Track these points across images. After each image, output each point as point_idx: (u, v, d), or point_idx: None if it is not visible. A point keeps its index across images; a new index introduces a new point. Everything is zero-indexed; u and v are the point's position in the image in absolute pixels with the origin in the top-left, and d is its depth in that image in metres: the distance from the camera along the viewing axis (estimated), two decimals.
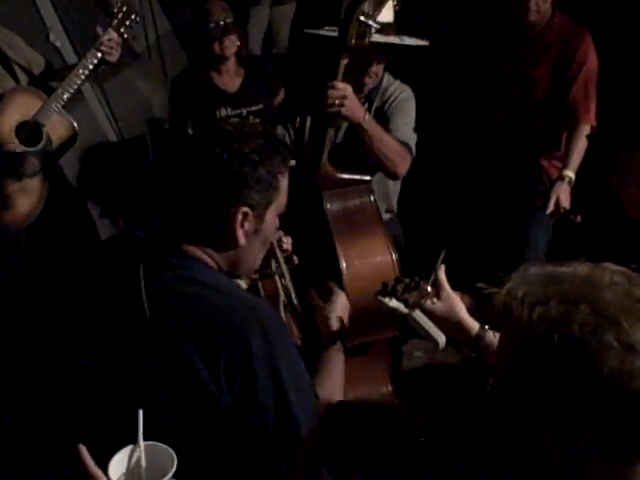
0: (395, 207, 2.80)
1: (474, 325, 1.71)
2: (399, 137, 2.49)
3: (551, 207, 3.00)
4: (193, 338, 1.46)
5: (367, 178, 2.45)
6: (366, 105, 2.56)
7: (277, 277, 2.03)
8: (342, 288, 2.18)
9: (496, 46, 3.28)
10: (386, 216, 2.64)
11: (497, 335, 1.60)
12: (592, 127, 3.06)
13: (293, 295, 2.06)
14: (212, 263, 1.57)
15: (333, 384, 1.71)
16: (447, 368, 3.25)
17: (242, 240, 1.54)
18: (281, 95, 3.65)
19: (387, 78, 2.61)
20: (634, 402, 0.92)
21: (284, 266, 2.09)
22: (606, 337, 0.91)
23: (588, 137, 3.00)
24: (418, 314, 1.74)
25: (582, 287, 0.96)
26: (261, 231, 1.57)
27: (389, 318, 2.18)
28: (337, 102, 2.22)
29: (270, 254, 2.00)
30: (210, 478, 1.51)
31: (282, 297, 2.01)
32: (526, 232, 3.27)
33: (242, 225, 1.53)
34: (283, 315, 1.99)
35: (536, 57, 3.11)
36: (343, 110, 2.25)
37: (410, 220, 2.93)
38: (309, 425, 1.44)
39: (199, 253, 1.55)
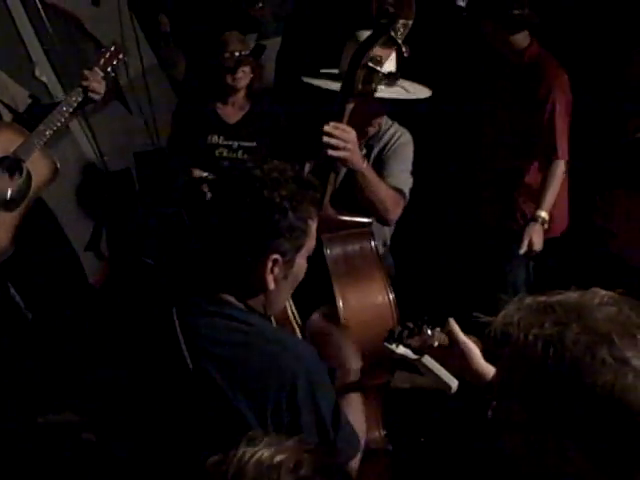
0: (389, 241, 2.79)
1: (489, 370, 1.69)
2: (393, 183, 2.47)
3: (524, 248, 3.01)
4: (240, 386, 1.48)
5: (368, 220, 2.42)
6: (364, 151, 2.54)
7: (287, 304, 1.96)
8: None
9: (480, 83, 3.31)
10: (380, 250, 2.63)
11: None
12: (567, 162, 3.03)
13: (297, 315, 2.01)
14: (245, 308, 1.58)
15: (358, 418, 1.70)
16: (437, 404, 3.20)
17: (271, 286, 1.54)
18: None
19: (385, 121, 2.59)
20: (629, 416, 0.93)
21: None
22: (599, 353, 0.94)
23: (564, 173, 3.01)
24: (428, 359, 1.72)
25: (573, 309, 0.99)
26: (290, 275, 1.58)
27: (385, 362, 2.14)
28: (342, 145, 2.18)
29: None
30: None
31: (292, 319, 1.96)
32: (505, 267, 3.28)
33: (272, 271, 1.53)
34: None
35: (512, 89, 3.14)
36: (348, 155, 2.21)
37: (401, 252, 2.92)
38: (350, 453, 1.56)
39: (232, 299, 1.56)
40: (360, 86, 2.12)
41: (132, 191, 4.37)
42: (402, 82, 2.44)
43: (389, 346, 1.75)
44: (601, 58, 3.49)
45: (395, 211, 2.48)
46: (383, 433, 2.32)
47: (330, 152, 2.17)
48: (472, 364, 1.71)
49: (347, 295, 2.24)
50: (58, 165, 2.84)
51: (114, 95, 3.98)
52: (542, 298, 1.04)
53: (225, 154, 3.52)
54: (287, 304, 1.96)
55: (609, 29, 3.52)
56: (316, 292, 2.22)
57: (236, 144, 3.52)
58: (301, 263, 1.60)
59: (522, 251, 3.00)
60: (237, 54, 3.40)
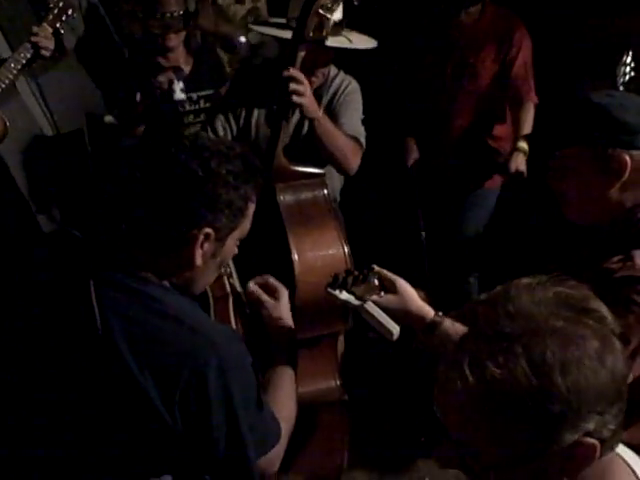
0: (338, 197, 2.82)
1: (429, 311, 1.73)
2: (349, 132, 2.48)
3: (510, 174, 3.15)
4: (149, 368, 1.44)
5: (321, 171, 2.44)
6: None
7: (225, 278, 1.98)
8: (293, 280, 2.17)
9: (435, 39, 3.33)
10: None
11: (454, 323, 1.63)
12: (535, 105, 3.19)
13: (241, 293, 2.02)
14: (166, 284, 1.54)
15: (286, 401, 1.70)
16: (399, 360, 3.26)
17: (198, 261, 1.51)
18: (226, 87, 3.61)
19: (332, 69, 2.59)
20: None
21: (231, 263, 2.03)
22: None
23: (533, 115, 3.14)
24: (370, 305, 1.73)
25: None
26: (219, 255, 1.55)
27: (339, 311, 2.19)
28: (299, 90, 2.18)
29: None
30: None
31: (231, 298, 1.98)
32: (466, 212, 3.35)
33: (202, 246, 1.50)
34: (232, 318, 1.95)
35: (475, 47, 3.20)
36: (304, 100, 2.21)
37: (351, 209, 2.95)
38: (259, 449, 1.51)
39: (154, 275, 1.52)
40: (311, 33, 2.13)
41: (84, 153, 4.29)
42: (347, 33, 2.44)
43: (332, 292, 1.77)
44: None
45: (355, 160, 2.50)
46: (339, 383, 2.35)
47: (295, 98, 2.17)
48: (407, 304, 1.74)
49: (301, 245, 2.26)
50: (7, 122, 2.78)
51: (64, 53, 3.87)
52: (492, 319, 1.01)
53: (188, 107, 3.51)
54: (227, 283, 2.00)
55: None
56: (270, 241, 2.27)
57: (195, 95, 3.50)
58: (231, 244, 1.58)
59: (507, 181, 3.18)
60: (168, 15, 3.33)
